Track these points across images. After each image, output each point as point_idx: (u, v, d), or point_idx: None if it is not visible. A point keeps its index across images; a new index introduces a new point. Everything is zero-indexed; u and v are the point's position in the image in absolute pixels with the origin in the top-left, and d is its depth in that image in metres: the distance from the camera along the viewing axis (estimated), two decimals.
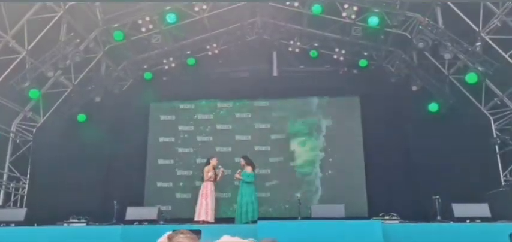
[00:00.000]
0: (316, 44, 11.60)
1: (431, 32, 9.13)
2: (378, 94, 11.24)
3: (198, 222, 8.99)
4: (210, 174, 9.53)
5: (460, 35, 9.10)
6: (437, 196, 8.12)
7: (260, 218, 8.58)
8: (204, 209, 9.18)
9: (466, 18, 9.12)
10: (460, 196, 8.09)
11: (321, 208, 8.52)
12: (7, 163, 11.15)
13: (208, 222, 9.00)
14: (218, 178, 9.72)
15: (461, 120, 10.32)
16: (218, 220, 9.65)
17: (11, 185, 11.21)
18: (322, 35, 11.35)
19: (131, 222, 7.95)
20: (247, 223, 8.94)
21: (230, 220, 9.97)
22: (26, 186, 11.49)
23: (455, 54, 9.22)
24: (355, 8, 9.67)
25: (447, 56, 9.27)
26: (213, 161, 9.75)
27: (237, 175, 9.69)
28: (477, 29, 9.01)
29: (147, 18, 10.20)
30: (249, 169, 9.57)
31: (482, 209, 7.59)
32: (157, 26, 10.58)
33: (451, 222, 7.46)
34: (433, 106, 10.70)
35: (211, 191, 9.40)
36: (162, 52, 11.74)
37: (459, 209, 7.63)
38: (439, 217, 7.96)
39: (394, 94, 11.20)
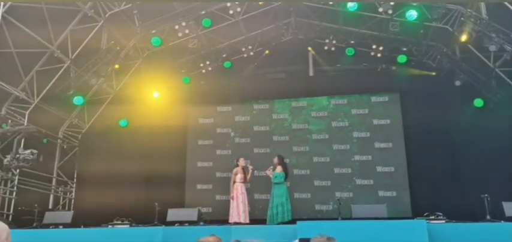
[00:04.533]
0: (352, 42, 11.39)
1: (475, 23, 8.74)
2: (418, 91, 10.90)
3: (232, 224, 8.97)
4: (239, 175, 9.43)
5: (505, 25, 8.66)
6: (486, 195, 7.72)
7: (299, 219, 8.49)
8: (236, 211, 9.15)
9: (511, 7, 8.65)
10: (511, 194, 7.69)
11: (362, 208, 8.29)
12: (55, 168, 11.66)
13: (241, 223, 8.97)
14: (249, 177, 9.61)
15: (509, 115, 9.79)
16: (255, 221, 9.62)
17: (60, 189, 11.72)
18: (358, 32, 11.13)
19: (172, 223, 8.09)
20: (278, 224, 8.83)
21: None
22: (73, 190, 11.98)
23: (501, 46, 8.78)
24: (392, 3, 9.42)
25: (492, 48, 8.87)
26: (241, 162, 9.63)
27: (268, 172, 9.58)
28: None
29: (183, 24, 10.39)
30: (279, 169, 9.42)
31: None
32: (194, 30, 10.75)
33: (502, 221, 7.08)
34: (478, 102, 10.27)
35: (242, 193, 9.31)
36: (199, 56, 11.92)
37: (510, 207, 7.23)
38: (488, 217, 7.56)
39: (436, 90, 10.82)
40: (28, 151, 7.55)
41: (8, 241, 2.74)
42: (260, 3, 10.43)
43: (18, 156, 7.51)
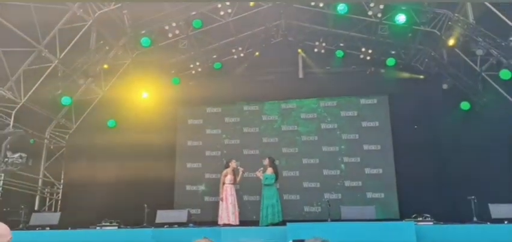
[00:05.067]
0: (342, 44, 11.48)
1: (462, 27, 8.87)
2: (406, 94, 11.04)
3: (221, 226, 8.95)
4: (229, 176, 9.44)
5: (492, 30, 8.80)
6: (473, 197, 7.85)
7: (289, 221, 8.52)
8: (225, 212, 9.16)
9: (498, 13, 8.79)
10: (496, 196, 7.81)
11: (351, 209, 8.38)
12: (42, 169, 11.49)
13: (230, 225, 8.96)
14: (239, 178, 9.64)
15: (495, 118, 9.93)
16: (245, 223, 9.62)
17: (46, 190, 11.54)
18: (348, 35, 11.22)
19: (161, 225, 8.05)
20: (267, 225, 8.85)
21: (257, 223, 9.95)
22: (60, 191, 11.82)
23: (488, 50, 8.92)
24: (381, 6, 9.50)
25: (479, 52, 9.00)
26: (233, 163, 9.66)
27: (258, 173, 9.59)
28: (511, 23, 8.67)
29: (174, 24, 10.35)
30: (270, 171, 9.43)
31: None
32: (184, 31, 10.72)
33: (488, 223, 7.20)
34: (464, 105, 10.40)
35: (231, 194, 9.33)
36: (189, 57, 11.88)
37: (496, 209, 7.35)
38: (475, 218, 7.69)
39: (424, 93, 10.98)
40: (17, 155, 7.42)
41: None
42: (251, 4, 10.43)
43: (6, 159, 7.36)
